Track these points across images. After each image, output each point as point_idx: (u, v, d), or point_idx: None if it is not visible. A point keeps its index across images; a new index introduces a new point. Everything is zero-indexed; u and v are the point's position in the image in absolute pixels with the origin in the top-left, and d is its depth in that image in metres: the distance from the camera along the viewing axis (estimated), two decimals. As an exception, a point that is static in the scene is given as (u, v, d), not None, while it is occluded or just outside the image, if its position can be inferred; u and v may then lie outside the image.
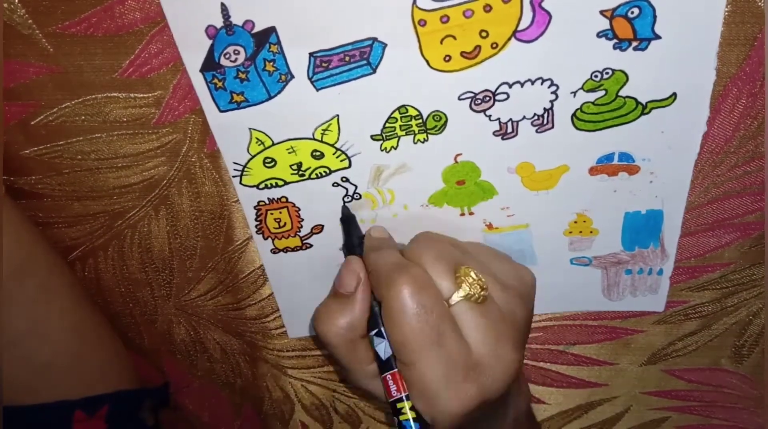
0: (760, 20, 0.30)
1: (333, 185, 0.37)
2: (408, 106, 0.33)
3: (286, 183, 0.37)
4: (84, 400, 0.37)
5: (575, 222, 0.38)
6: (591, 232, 0.38)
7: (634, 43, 0.30)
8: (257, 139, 0.34)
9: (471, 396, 0.30)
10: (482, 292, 0.31)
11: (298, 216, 0.38)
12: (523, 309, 0.34)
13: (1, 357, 0.35)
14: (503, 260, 0.37)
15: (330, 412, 0.50)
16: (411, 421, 0.31)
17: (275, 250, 0.40)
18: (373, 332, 0.33)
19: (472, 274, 0.32)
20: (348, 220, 0.38)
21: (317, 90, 0.32)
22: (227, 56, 0.31)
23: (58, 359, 0.38)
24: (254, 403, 0.50)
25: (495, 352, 0.31)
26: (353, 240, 0.37)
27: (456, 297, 0.31)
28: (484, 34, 0.30)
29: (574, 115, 0.33)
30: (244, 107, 0.33)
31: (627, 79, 0.32)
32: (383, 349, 0.33)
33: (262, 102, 0.33)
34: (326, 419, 0.50)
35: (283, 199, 0.37)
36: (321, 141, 0.34)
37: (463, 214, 0.38)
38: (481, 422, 0.33)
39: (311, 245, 0.40)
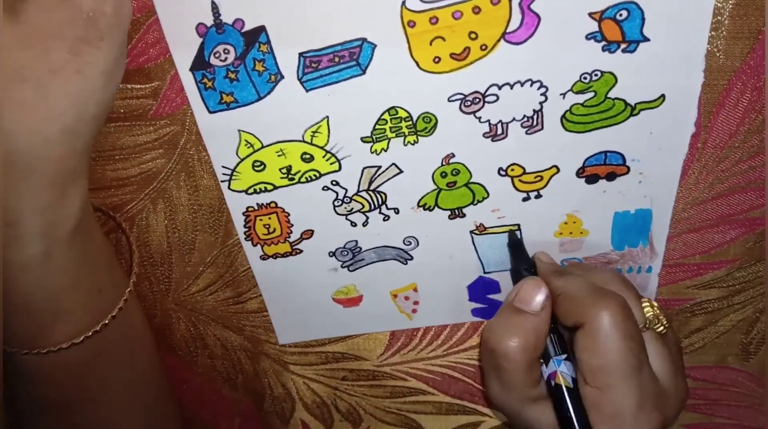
0: (764, 13, 0.30)
1: (323, 189, 0.36)
2: (398, 107, 0.33)
3: (275, 187, 0.36)
4: None
5: (565, 223, 0.38)
6: (581, 232, 0.38)
7: (623, 45, 0.30)
8: (246, 141, 0.34)
9: (656, 424, 0.32)
10: (666, 324, 0.33)
11: (288, 221, 0.38)
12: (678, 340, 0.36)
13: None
14: None
15: (331, 411, 0.50)
16: None
17: (264, 257, 0.40)
18: (561, 356, 0.34)
19: (656, 305, 0.34)
20: (516, 245, 0.38)
21: (307, 91, 0.32)
22: (217, 55, 0.31)
23: None
24: (255, 399, 0.50)
25: (674, 382, 0.33)
26: (522, 263, 0.38)
27: (645, 327, 0.33)
28: (473, 35, 0.30)
29: (563, 116, 0.33)
30: (234, 108, 0.33)
31: (616, 81, 0.31)
32: (567, 370, 0.34)
33: (252, 103, 0.33)
34: (327, 417, 0.50)
35: (272, 205, 0.37)
36: (311, 143, 0.34)
37: (453, 217, 0.38)
38: None
39: (301, 251, 0.40)
